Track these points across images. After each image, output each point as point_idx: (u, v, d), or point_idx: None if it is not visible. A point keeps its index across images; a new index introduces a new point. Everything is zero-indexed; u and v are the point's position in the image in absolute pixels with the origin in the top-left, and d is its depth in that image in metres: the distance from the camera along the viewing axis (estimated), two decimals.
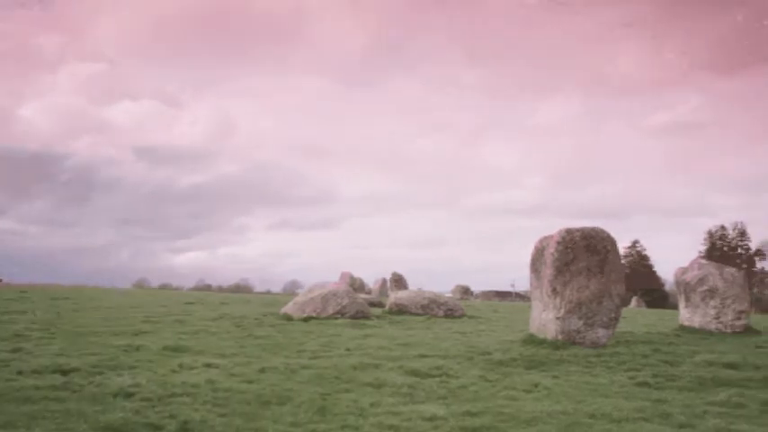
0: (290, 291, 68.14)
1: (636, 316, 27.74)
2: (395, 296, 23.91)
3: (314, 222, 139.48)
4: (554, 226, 14.61)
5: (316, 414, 7.41)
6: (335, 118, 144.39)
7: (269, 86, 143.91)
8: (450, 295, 42.01)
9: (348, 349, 12.51)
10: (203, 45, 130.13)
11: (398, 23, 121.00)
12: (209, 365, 10.09)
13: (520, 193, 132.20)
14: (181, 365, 10.02)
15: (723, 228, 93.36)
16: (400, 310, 22.14)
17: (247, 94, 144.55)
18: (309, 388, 8.78)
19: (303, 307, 19.05)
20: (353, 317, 18.69)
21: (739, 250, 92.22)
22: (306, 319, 18.09)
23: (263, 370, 9.92)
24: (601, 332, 13.51)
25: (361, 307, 19.71)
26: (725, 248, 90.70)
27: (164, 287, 70.00)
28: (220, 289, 75.48)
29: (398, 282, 44.28)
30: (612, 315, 13.74)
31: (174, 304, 24.07)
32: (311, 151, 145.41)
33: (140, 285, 64.22)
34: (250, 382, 9.02)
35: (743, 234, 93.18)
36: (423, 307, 22.08)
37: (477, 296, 59.10)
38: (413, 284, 43.53)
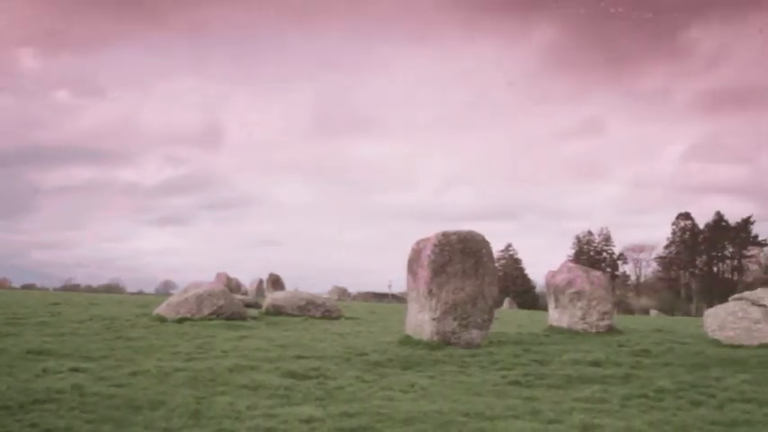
0: (164, 291, 66.32)
1: (508, 317, 28.65)
2: (272, 297, 23.68)
3: (191, 222, 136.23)
4: (435, 228, 14.90)
5: (190, 418, 7.21)
6: (237, 116, 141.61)
7: (166, 78, 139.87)
8: (327, 296, 41.97)
9: (224, 351, 12.28)
10: (91, 33, 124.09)
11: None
12: (75, 370, 9.65)
13: (409, 196, 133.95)
14: (45, 370, 9.55)
15: (590, 233, 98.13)
16: (277, 311, 21.94)
17: (143, 85, 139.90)
18: (183, 391, 8.55)
19: (177, 308, 18.56)
20: (229, 318, 18.37)
21: (604, 254, 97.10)
22: (180, 321, 17.64)
23: (134, 373, 9.59)
24: (475, 333, 13.84)
25: (238, 308, 19.40)
26: (591, 253, 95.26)
27: (27, 287, 66.54)
28: (89, 289, 72.56)
29: (276, 282, 43.92)
30: (486, 316, 14.11)
31: (38, 305, 22.93)
32: (200, 147, 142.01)
33: (1, 285, 60.71)
34: (120, 386, 8.69)
35: (608, 239, 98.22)
36: (300, 308, 21.96)
37: (354, 297, 59.34)
38: (290, 285, 43.29)
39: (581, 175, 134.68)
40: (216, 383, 9.18)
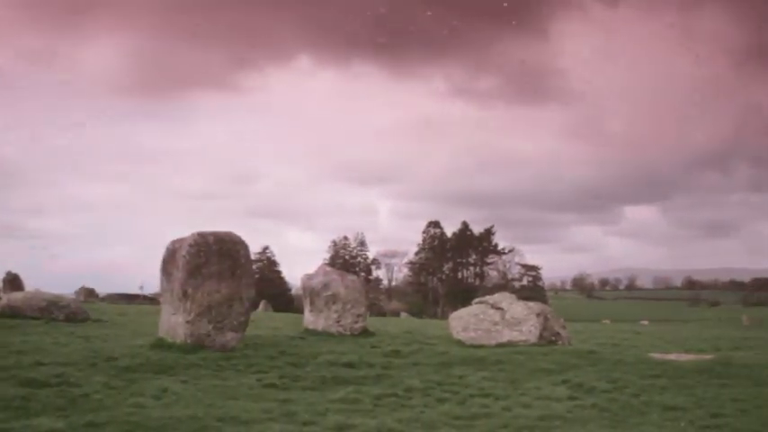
0: None
1: (264, 319, 28.54)
2: (8, 298, 21.82)
3: None
4: (194, 228, 14.40)
5: None
6: None
7: None
8: (73, 297, 39.37)
9: None
10: None
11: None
12: None
13: (169, 196, 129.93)
14: None
15: (346, 238, 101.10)
16: (14, 313, 20.21)
17: None
18: None
19: None
20: None
21: (359, 259, 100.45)
22: None
23: None
24: (230, 335, 13.63)
25: None
26: (347, 257, 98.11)
27: None
28: None
29: (13, 282, 40.49)
30: (242, 319, 13.96)
31: None
32: None
33: None
34: None
35: (363, 244, 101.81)
36: (41, 310, 20.41)
37: (102, 299, 56.30)
38: (30, 285, 40.11)
39: (356, 180, 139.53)
40: None
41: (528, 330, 15.61)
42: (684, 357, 13.45)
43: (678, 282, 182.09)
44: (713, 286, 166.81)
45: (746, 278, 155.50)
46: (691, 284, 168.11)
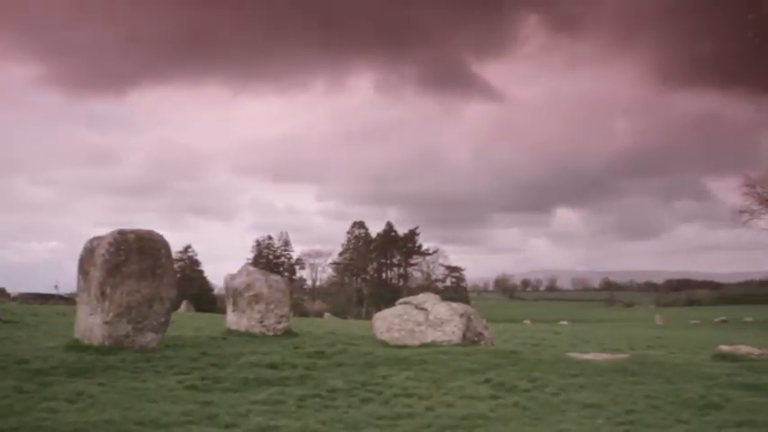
0: None
1: (186, 320, 28.04)
2: None
3: None
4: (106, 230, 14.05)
5: None
6: None
7: None
8: None
9: None
10: None
11: None
12: None
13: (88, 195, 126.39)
14: None
15: (270, 238, 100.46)
16: None
17: None
18: None
19: None
20: None
21: (283, 259, 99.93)
22: None
23: None
24: (150, 336, 13.33)
25: None
26: (270, 257, 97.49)
27: None
28: None
29: None
30: (163, 319, 13.66)
31: None
32: None
33: None
34: None
35: (287, 244, 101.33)
36: None
37: (14, 298, 54.35)
38: None
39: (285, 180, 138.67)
40: None
41: (451, 331, 15.74)
42: (601, 356, 13.78)
43: (596, 283, 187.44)
44: (629, 287, 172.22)
45: (661, 280, 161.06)
46: (607, 285, 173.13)
